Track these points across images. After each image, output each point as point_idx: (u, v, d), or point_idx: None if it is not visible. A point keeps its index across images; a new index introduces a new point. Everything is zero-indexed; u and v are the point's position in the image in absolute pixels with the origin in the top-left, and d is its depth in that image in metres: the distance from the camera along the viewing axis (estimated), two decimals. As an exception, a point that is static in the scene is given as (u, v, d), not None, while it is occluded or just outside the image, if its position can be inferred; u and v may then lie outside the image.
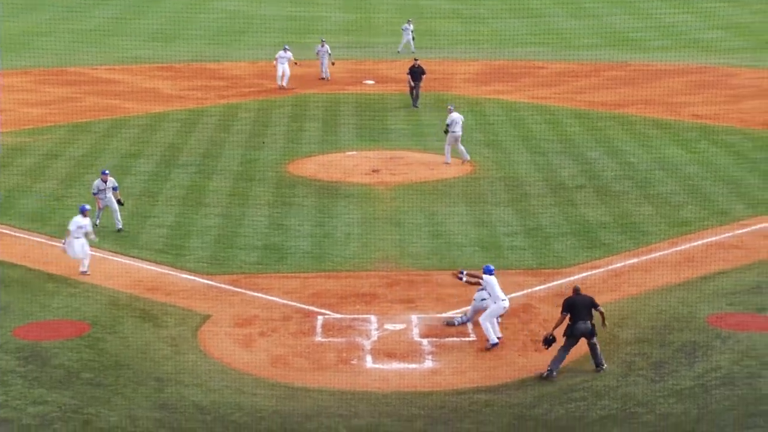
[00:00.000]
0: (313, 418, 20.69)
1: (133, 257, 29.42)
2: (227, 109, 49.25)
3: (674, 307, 25.61)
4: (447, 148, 38.88)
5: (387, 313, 25.63)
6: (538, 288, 27.21)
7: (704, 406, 20.60)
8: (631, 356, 23.13)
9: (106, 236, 30.19)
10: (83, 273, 27.75)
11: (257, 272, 28.48)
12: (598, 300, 22.68)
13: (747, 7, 78.22)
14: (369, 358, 23.42)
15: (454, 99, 46.95)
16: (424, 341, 24.17)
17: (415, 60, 49.03)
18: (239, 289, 27.25)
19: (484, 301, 24.07)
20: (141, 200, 34.54)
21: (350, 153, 41.09)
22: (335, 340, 24.30)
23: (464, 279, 24.49)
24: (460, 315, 25.13)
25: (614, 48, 62.16)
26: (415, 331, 24.73)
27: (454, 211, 33.43)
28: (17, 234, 31.36)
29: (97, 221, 31.06)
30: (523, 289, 26.90)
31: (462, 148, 38.84)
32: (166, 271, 28.53)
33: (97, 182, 31.27)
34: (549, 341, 22.36)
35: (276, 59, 52.83)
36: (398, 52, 62.01)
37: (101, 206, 31.20)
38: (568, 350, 22.31)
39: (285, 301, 26.44)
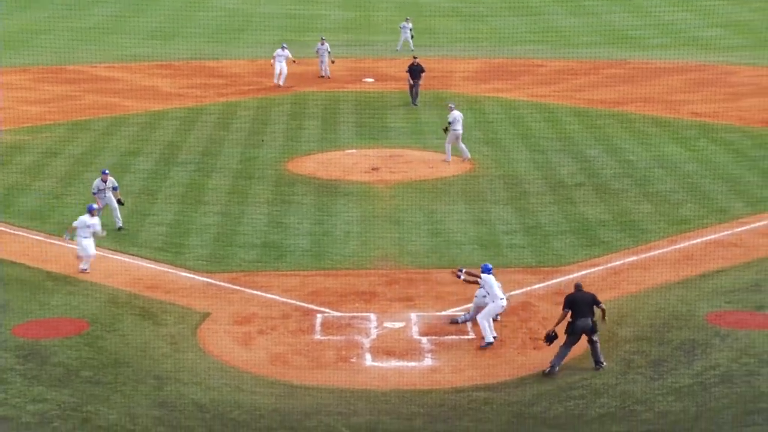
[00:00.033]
0: (312, 416, 20.70)
1: (133, 255, 29.42)
2: (226, 107, 49.24)
3: (673, 305, 25.62)
4: (448, 147, 38.89)
5: (386, 312, 25.64)
6: (537, 286, 27.22)
7: (703, 404, 20.61)
8: (630, 354, 23.15)
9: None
10: (83, 271, 27.76)
11: (256, 270, 28.48)
12: (598, 298, 22.67)
13: (746, 4, 78.20)
14: (368, 356, 23.43)
15: (454, 97, 46.97)
16: (424, 339, 24.18)
17: (414, 58, 49.01)
18: (238, 287, 27.26)
19: (485, 298, 24.07)
20: (140, 198, 34.54)
21: (349, 151, 41.10)
22: (334, 338, 24.30)
23: (462, 277, 24.51)
24: (462, 313, 25.14)
25: (613, 46, 62.19)
26: (415, 329, 24.74)
27: (453, 209, 33.44)
28: (16, 232, 31.36)
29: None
30: (522, 287, 26.91)
31: (463, 146, 38.85)
32: (166, 269, 28.53)
33: (97, 182, 31.27)
34: (551, 338, 22.38)
35: (274, 57, 52.81)
36: (397, 50, 61.99)
37: (101, 205, 31.19)
38: (570, 347, 22.34)
39: (284, 299, 26.44)
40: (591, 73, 56.89)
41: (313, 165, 39.16)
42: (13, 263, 28.52)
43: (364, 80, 54.94)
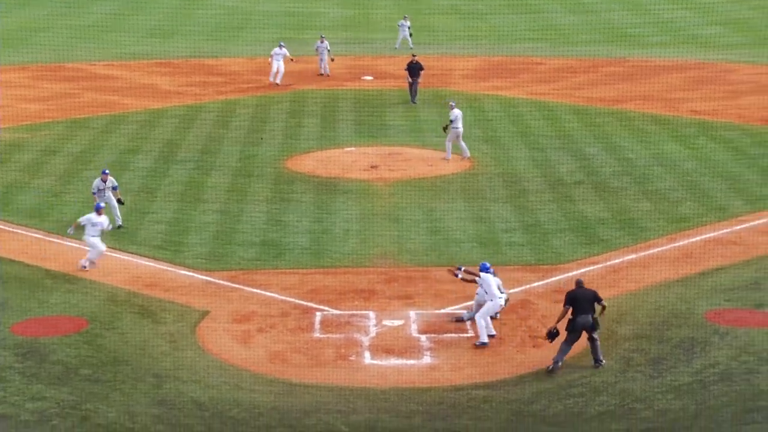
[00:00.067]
0: (311, 414, 20.69)
1: (132, 253, 29.40)
2: (225, 105, 49.22)
3: (672, 303, 25.61)
4: (448, 145, 38.85)
5: (385, 309, 25.62)
6: (536, 284, 27.20)
7: (702, 402, 20.61)
8: (630, 352, 23.13)
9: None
10: (83, 268, 27.75)
11: (255, 268, 28.46)
12: (599, 294, 22.65)
13: (745, 2, 78.14)
14: (367, 354, 23.42)
15: (453, 95, 46.94)
16: (423, 337, 24.17)
17: (413, 56, 48.99)
18: (237, 285, 27.24)
19: (486, 295, 24.02)
20: (139, 196, 34.51)
21: (349, 149, 41.08)
22: (333, 336, 24.29)
23: (460, 276, 24.49)
24: (465, 311, 25.10)
25: (612, 44, 62.15)
26: (414, 327, 24.73)
27: (452, 207, 33.42)
28: (15, 230, 31.34)
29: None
30: (521, 285, 26.89)
31: (463, 144, 38.84)
32: (165, 267, 28.51)
33: (97, 182, 31.25)
34: (553, 334, 22.37)
35: (271, 56, 52.76)
36: (395, 48, 61.96)
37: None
38: (571, 344, 22.33)
39: (283, 297, 26.43)
40: (590, 71, 56.88)
41: (312, 163, 39.15)
42: (12, 261, 28.51)
43: (363, 78, 54.92)
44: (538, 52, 61.14)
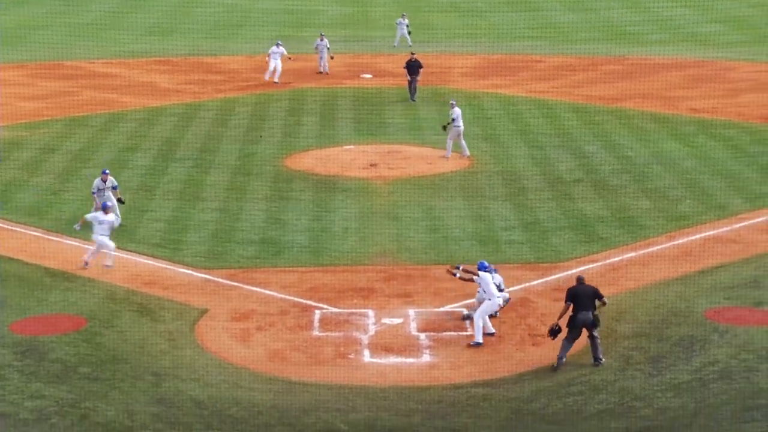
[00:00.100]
0: (310, 413, 20.67)
1: (131, 251, 29.36)
2: (224, 103, 49.18)
3: (672, 301, 25.60)
4: (449, 143, 38.82)
5: (384, 308, 25.61)
6: (535, 282, 27.19)
7: (702, 400, 20.60)
8: (629, 350, 23.12)
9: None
10: (84, 266, 27.68)
11: (254, 266, 28.45)
12: (600, 291, 22.63)
13: (745, 0, 78.14)
14: (366, 352, 23.40)
15: (452, 93, 46.92)
16: (422, 335, 24.16)
17: (412, 54, 48.97)
18: (236, 284, 27.22)
19: (485, 294, 23.98)
20: (138, 194, 34.49)
21: (348, 147, 41.06)
22: (333, 334, 24.27)
23: (458, 275, 24.45)
24: (467, 310, 25.05)
25: (612, 42, 62.12)
26: (413, 325, 24.71)
27: (451, 205, 33.40)
28: (14, 228, 31.31)
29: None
30: (520, 284, 26.87)
31: (464, 142, 38.83)
32: (164, 266, 28.49)
33: (97, 181, 31.20)
34: (555, 331, 22.35)
35: (269, 55, 52.69)
36: (394, 46, 61.92)
37: (100, 205, 31.11)
38: (573, 341, 22.31)
39: (282, 296, 26.41)
40: (589, 69, 56.86)
41: (311, 161, 39.12)
42: (10, 259, 28.48)
43: (362, 76, 54.89)
44: (538, 50, 61.13)
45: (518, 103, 48.79)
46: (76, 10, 71.00)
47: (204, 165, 38.43)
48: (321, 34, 55.58)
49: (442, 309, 25.48)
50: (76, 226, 28.56)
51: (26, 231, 31.04)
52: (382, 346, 23.62)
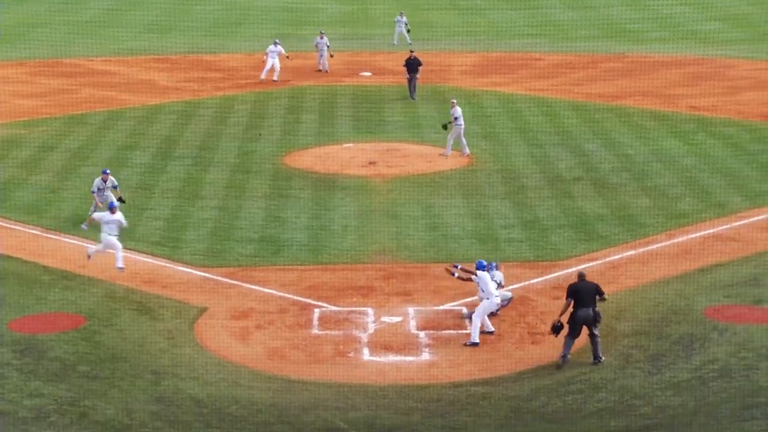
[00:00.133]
0: (309, 411, 20.65)
1: (130, 250, 29.27)
2: (223, 101, 49.15)
3: (672, 299, 25.58)
4: (450, 141, 38.76)
5: (384, 306, 25.59)
6: (535, 280, 27.18)
7: (701, 399, 20.58)
8: (629, 349, 23.11)
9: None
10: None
11: (254, 265, 28.42)
12: (601, 288, 22.61)
13: (744, -2, 78.15)
14: (366, 350, 23.38)
15: (451, 91, 46.89)
16: (421, 334, 24.14)
17: (411, 52, 48.95)
18: (236, 282, 27.20)
19: (483, 293, 23.93)
20: (137, 193, 34.46)
21: (347, 145, 41.03)
22: (332, 332, 24.25)
23: (456, 275, 24.41)
24: (469, 309, 25.01)
25: (611, 39, 62.09)
26: (412, 323, 24.69)
27: (450, 203, 33.38)
28: (13, 226, 31.28)
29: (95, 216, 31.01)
30: (520, 282, 26.85)
31: (464, 141, 38.81)
32: (163, 264, 28.47)
33: (98, 181, 31.18)
34: (557, 328, 22.33)
35: (266, 53, 52.58)
36: (393, 44, 61.88)
37: (101, 205, 31.09)
38: (575, 337, 22.29)
39: (281, 294, 26.39)
40: (589, 66, 56.82)
41: (310, 159, 39.10)
42: (9, 257, 28.44)
43: (361, 74, 54.85)
44: (537, 48, 61.09)
45: (518, 101, 48.76)
46: (74, 7, 70.99)
47: (203, 163, 38.40)
48: (321, 32, 55.51)
49: (441, 307, 25.46)
50: (84, 226, 28.56)
51: (25, 229, 31.01)
52: (381, 344, 23.60)
